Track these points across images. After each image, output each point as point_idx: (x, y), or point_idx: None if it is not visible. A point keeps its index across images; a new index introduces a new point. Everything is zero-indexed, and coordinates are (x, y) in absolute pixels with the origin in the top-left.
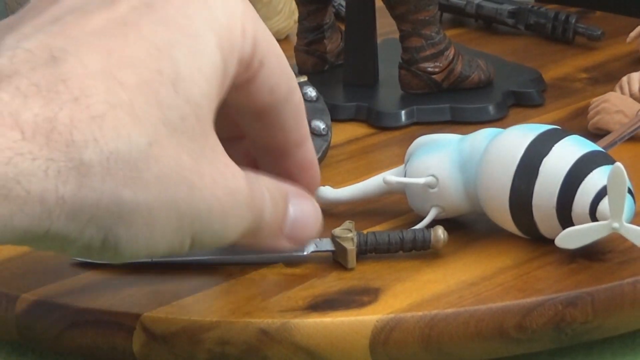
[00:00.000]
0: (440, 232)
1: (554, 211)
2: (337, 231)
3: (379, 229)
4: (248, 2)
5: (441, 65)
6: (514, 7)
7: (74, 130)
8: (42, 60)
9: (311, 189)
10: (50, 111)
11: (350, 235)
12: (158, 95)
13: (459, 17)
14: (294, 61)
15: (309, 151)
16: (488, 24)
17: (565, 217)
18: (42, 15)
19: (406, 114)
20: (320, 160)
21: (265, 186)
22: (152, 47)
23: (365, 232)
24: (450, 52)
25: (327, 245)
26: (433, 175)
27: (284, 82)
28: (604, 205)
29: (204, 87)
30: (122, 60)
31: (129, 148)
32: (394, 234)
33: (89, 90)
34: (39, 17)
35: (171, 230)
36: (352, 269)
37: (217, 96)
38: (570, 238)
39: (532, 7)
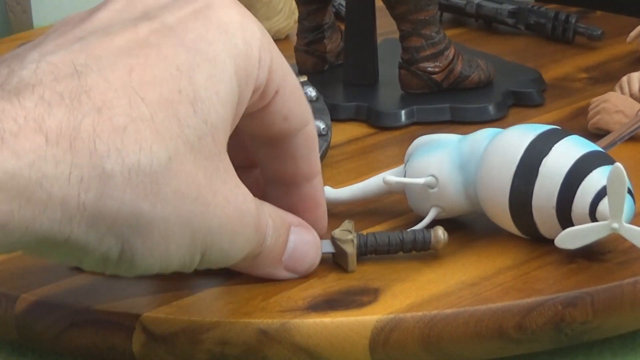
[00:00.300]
0: (440, 232)
1: (553, 211)
2: (337, 233)
3: (379, 229)
4: (265, 30)
5: (441, 65)
6: (514, 6)
7: (97, 139)
8: (65, 73)
9: (316, 228)
10: (74, 119)
11: (350, 237)
12: (177, 113)
13: (459, 17)
14: (294, 61)
15: (317, 189)
16: (488, 23)
17: (565, 217)
18: (66, 36)
19: (406, 113)
20: (320, 160)
21: (269, 214)
22: (172, 67)
23: (365, 232)
24: (450, 52)
25: (327, 247)
26: (433, 175)
27: (298, 111)
28: (604, 205)
29: (220, 111)
30: (143, 78)
31: (150, 161)
32: (393, 234)
33: (111, 102)
34: (62, 37)
35: (185, 245)
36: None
37: (231, 120)
38: (570, 238)
39: (532, 6)
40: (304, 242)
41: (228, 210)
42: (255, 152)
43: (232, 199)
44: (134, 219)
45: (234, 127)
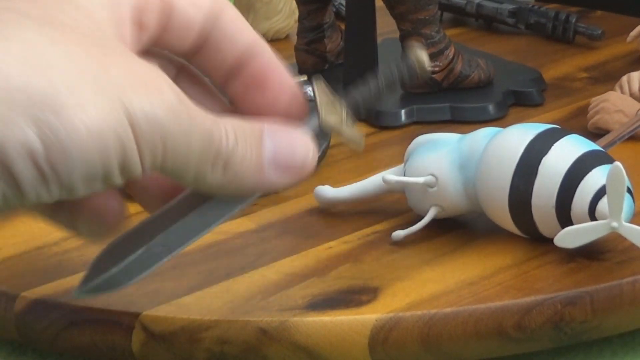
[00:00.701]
0: (418, 51)
1: (553, 210)
2: (326, 115)
3: (379, 228)
4: None
5: (441, 64)
6: (514, 6)
7: None
8: None
9: (299, 116)
10: None
11: (340, 116)
12: (52, 11)
13: (459, 17)
14: (294, 60)
15: (271, 58)
16: (488, 23)
17: (564, 217)
18: None
19: (406, 113)
20: (321, 159)
21: (230, 123)
22: None
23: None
24: (450, 52)
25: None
26: (432, 175)
27: None
28: (603, 204)
29: (101, 10)
30: None
31: (35, 39)
32: (372, 83)
33: None
34: None
35: (104, 105)
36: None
37: (117, 19)
38: (569, 237)
39: (533, 6)
40: (289, 138)
41: (134, 66)
42: (204, 67)
43: (132, 60)
44: (36, 94)
45: (128, 28)
